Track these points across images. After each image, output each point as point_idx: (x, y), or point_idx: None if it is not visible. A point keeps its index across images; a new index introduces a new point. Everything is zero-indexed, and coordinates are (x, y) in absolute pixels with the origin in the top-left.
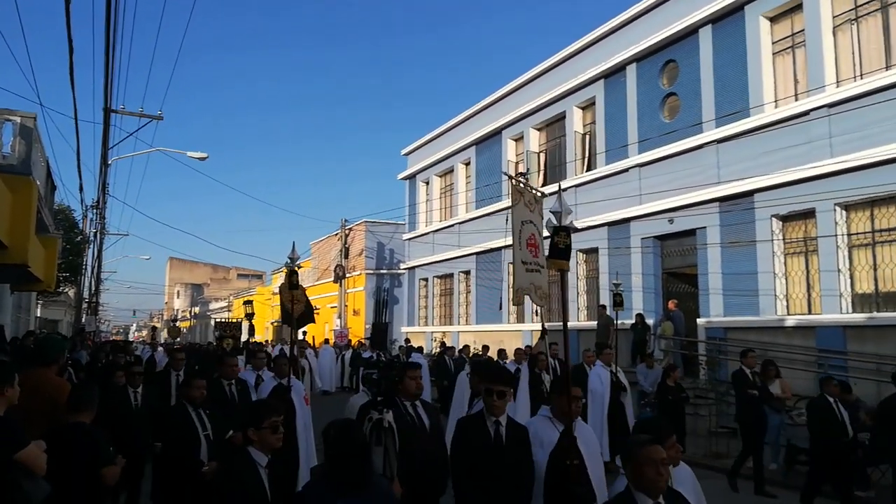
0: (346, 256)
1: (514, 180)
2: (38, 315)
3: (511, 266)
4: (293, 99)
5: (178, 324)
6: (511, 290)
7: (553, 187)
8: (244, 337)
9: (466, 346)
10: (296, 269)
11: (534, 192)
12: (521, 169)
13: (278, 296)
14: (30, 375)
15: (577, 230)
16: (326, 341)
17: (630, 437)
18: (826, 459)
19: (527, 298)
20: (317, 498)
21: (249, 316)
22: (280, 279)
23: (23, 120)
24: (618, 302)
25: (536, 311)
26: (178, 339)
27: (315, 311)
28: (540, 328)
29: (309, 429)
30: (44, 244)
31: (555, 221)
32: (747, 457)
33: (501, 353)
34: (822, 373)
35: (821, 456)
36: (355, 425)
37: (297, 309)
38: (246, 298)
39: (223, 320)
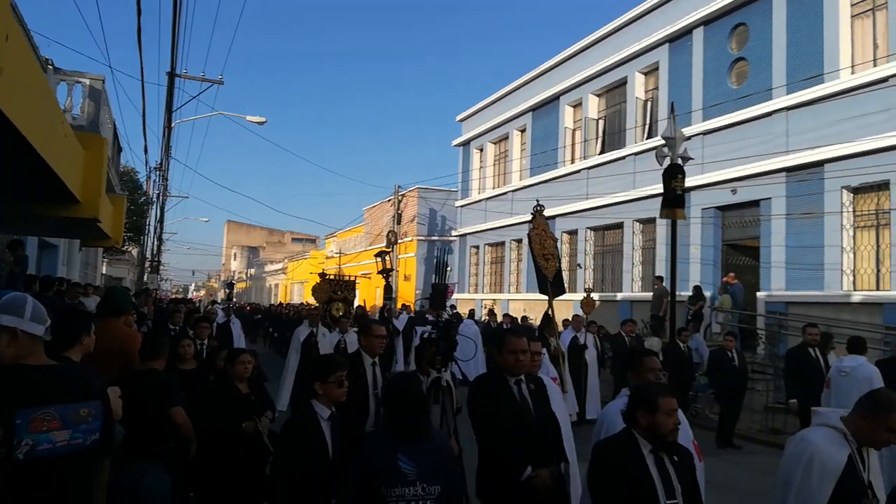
0: (399, 222)
1: None
2: (104, 272)
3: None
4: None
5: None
6: None
7: None
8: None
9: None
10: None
11: None
12: (579, 138)
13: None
14: (102, 325)
15: None
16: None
17: None
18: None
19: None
20: (377, 446)
21: (386, 273)
22: (333, 244)
23: (92, 82)
24: None
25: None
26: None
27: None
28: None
29: None
30: (112, 202)
31: None
32: None
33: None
34: (888, 351)
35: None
36: (413, 378)
37: (550, 267)
38: (380, 249)
39: (332, 276)
